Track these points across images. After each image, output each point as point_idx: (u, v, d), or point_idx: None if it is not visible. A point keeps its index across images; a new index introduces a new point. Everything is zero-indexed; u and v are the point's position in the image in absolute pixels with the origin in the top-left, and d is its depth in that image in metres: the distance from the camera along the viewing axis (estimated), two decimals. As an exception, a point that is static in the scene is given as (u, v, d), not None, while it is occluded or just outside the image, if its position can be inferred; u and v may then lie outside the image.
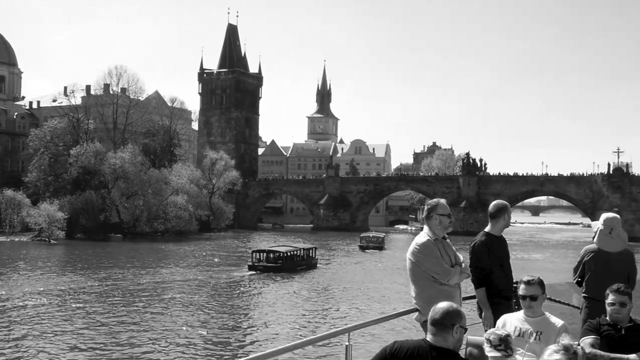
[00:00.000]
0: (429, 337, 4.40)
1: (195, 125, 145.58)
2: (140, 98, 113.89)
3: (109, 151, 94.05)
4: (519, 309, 5.89)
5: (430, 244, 6.52)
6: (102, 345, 26.44)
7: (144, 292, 41.07)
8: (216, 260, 62.36)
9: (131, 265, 55.47)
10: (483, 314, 6.91)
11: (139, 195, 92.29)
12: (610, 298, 5.78)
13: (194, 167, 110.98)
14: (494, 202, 7.38)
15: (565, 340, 4.20)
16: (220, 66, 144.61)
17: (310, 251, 59.72)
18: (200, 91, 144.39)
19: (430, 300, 5.90)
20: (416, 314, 6.64)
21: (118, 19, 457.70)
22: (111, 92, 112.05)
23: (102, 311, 34.11)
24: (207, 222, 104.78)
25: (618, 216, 7.48)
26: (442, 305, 4.46)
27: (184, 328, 29.90)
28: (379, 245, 79.64)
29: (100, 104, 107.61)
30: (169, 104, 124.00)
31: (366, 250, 77.24)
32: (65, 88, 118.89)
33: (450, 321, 4.36)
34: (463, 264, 6.72)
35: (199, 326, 30.56)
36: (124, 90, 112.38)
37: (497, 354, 4.70)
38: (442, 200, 6.73)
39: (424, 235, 6.60)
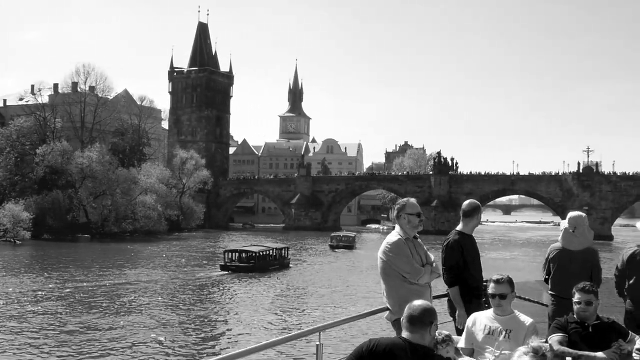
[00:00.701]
0: (406, 335, 4.41)
1: (165, 125, 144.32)
2: (109, 97, 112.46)
3: (76, 150, 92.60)
4: (489, 307, 5.93)
5: (401, 243, 6.51)
6: (59, 349, 25.61)
7: (109, 294, 40.18)
8: (185, 261, 61.48)
9: (98, 267, 54.43)
10: (457, 312, 6.95)
11: (107, 195, 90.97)
12: (577, 297, 5.84)
13: (163, 167, 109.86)
14: (467, 202, 7.48)
15: (535, 342, 4.21)
16: (191, 65, 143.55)
17: (283, 251, 59.43)
18: (170, 90, 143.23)
19: (401, 299, 6.15)
20: (387, 313, 6.64)
21: (87, 18, 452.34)
22: (79, 90, 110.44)
23: (63, 314, 33.12)
24: (177, 222, 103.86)
25: (584, 215, 7.53)
26: (420, 303, 4.52)
27: (152, 331, 29.15)
28: (350, 245, 79.43)
29: (68, 102, 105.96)
30: (139, 103, 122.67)
31: (336, 250, 76.97)
32: (33, 87, 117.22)
33: (429, 319, 4.42)
34: (434, 264, 6.71)
35: (167, 328, 29.91)
36: (92, 89, 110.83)
37: None
38: (412, 200, 6.75)
39: (395, 235, 6.60)
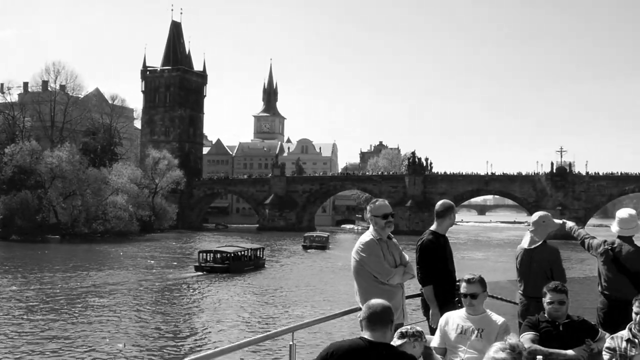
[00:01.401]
0: (366, 335, 4.37)
1: (138, 124, 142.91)
2: (79, 95, 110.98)
3: (46, 150, 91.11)
4: (461, 306, 5.93)
5: (373, 243, 6.54)
6: (23, 354, 24.68)
7: (79, 296, 39.34)
8: (157, 262, 60.75)
9: (66, 268, 53.40)
10: (430, 311, 6.96)
11: (77, 195, 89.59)
12: (549, 297, 5.91)
13: (134, 167, 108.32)
14: (441, 201, 7.49)
15: (512, 339, 4.28)
16: (164, 64, 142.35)
17: (258, 251, 59.20)
18: (143, 89, 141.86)
19: (371, 298, 5.81)
20: (359, 312, 6.22)
21: (58, 16, 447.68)
22: (49, 89, 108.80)
23: (24, 318, 32.13)
24: (149, 222, 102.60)
25: (543, 213, 7.76)
26: (379, 301, 4.51)
27: (121, 334, 28.44)
28: (323, 245, 79.32)
29: (37, 101, 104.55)
30: (110, 102, 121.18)
31: (309, 250, 76.78)
32: (2, 85, 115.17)
33: (389, 317, 4.43)
34: (408, 264, 6.72)
35: (137, 331, 29.36)
36: (63, 87, 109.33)
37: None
38: (380, 201, 6.76)
39: (368, 235, 6.64)
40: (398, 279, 6.56)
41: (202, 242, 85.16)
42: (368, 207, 6.74)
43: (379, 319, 4.40)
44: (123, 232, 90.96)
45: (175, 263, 59.99)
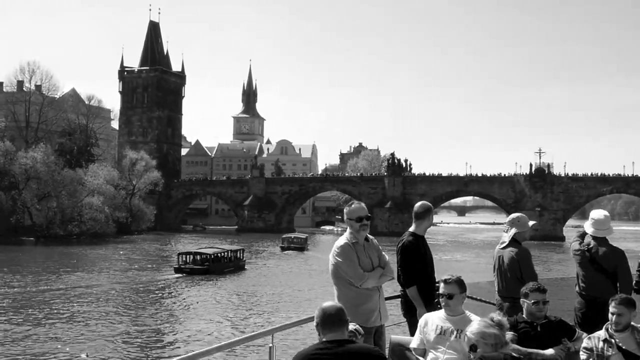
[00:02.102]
0: (328, 337, 4.43)
1: (115, 124, 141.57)
2: (55, 96, 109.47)
3: (20, 150, 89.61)
4: (441, 307, 5.95)
5: (347, 247, 6.57)
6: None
7: (50, 299, 38.48)
8: (133, 264, 60.07)
9: (40, 270, 52.57)
10: (418, 311, 6.95)
11: (52, 196, 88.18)
12: (532, 297, 5.94)
13: (111, 167, 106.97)
14: (419, 203, 7.57)
15: (496, 316, 4.56)
16: (142, 64, 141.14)
17: (238, 253, 59.03)
18: (120, 89, 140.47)
19: (349, 302, 6.28)
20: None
21: (34, 15, 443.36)
22: (24, 89, 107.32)
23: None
24: (126, 224, 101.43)
25: (518, 215, 7.86)
26: (331, 304, 4.60)
27: (98, 338, 27.86)
28: (301, 246, 79.07)
29: (12, 101, 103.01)
30: (86, 102, 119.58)
31: (287, 251, 76.42)
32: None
33: (344, 317, 4.52)
34: (387, 266, 6.73)
35: (115, 333, 28.83)
36: (38, 87, 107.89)
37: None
38: (355, 204, 6.78)
39: (343, 239, 6.68)
40: (372, 283, 6.55)
41: (179, 244, 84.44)
42: (344, 210, 6.80)
43: (337, 320, 4.47)
44: (99, 233, 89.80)
45: (151, 265, 59.31)
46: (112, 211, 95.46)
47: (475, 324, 4.45)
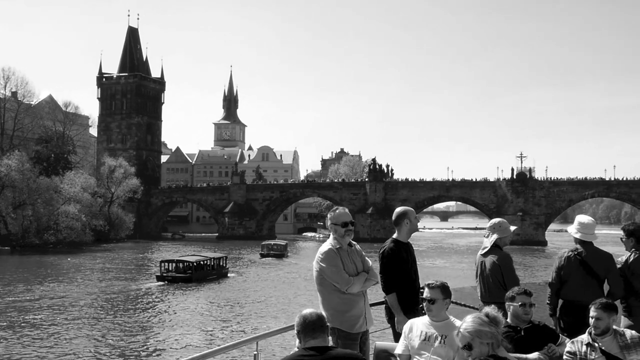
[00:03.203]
0: (309, 344, 4.43)
1: (93, 131, 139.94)
2: (31, 102, 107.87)
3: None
4: (425, 313, 5.97)
5: (332, 252, 6.57)
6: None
7: (28, 309, 37.32)
8: (108, 273, 58.90)
9: (15, 280, 51.49)
10: (396, 318, 7.04)
11: (28, 205, 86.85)
12: (519, 300, 5.99)
13: (88, 175, 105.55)
14: (395, 210, 7.55)
15: (490, 311, 4.59)
16: (121, 70, 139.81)
17: (221, 260, 58.78)
18: (99, 96, 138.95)
19: (334, 308, 6.44)
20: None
21: (10, 20, 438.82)
22: (0, 95, 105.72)
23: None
24: (104, 232, 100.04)
25: (499, 220, 7.95)
26: (311, 311, 4.60)
27: (75, 347, 26.99)
28: (280, 253, 78.67)
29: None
30: (63, 109, 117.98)
31: (266, 258, 75.98)
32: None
33: (325, 323, 4.54)
34: (370, 270, 6.75)
35: (95, 343, 28.11)
36: (14, 94, 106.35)
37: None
38: (340, 209, 6.80)
39: (327, 244, 6.68)
40: (358, 288, 6.56)
41: (158, 252, 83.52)
42: (328, 215, 6.80)
43: (318, 327, 4.46)
44: (76, 242, 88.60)
45: (130, 274, 58.44)
46: (90, 219, 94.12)
47: (470, 321, 4.38)
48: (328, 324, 4.68)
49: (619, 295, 7.31)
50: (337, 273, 6.50)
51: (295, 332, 4.55)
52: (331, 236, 6.72)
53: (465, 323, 4.48)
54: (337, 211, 6.77)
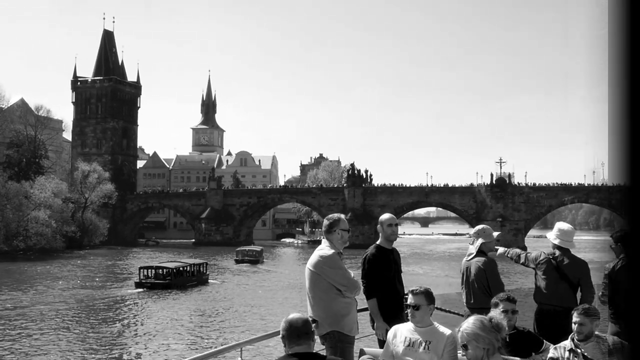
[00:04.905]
0: (294, 350, 4.41)
1: (67, 135, 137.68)
2: (2, 106, 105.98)
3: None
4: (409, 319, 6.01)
5: (336, 256, 6.63)
6: None
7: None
8: (80, 280, 57.49)
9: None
10: (375, 324, 7.13)
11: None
12: (502, 306, 6.09)
13: (59, 180, 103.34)
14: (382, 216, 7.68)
15: (499, 317, 4.76)
16: (96, 74, 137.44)
17: (201, 267, 58.32)
18: (73, 100, 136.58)
19: (333, 312, 6.52)
20: (312, 326, 6.19)
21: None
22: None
23: None
24: (77, 238, 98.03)
25: (483, 226, 8.16)
26: (298, 316, 4.58)
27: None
28: (255, 259, 77.98)
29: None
30: (35, 112, 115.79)
31: (241, 264, 75.13)
32: None
33: (310, 329, 4.52)
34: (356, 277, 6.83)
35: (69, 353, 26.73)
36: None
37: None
38: (342, 216, 7.02)
39: (328, 249, 6.68)
40: (360, 290, 6.82)
41: (132, 259, 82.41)
42: (330, 221, 6.81)
43: (303, 333, 4.42)
44: (46, 249, 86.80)
45: (101, 282, 56.91)
46: (61, 225, 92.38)
47: (471, 323, 4.42)
48: (313, 330, 4.59)
49: (590, 302, 7.26)
50: (346, 276, 6.58)
51: (280, 336, 4.48)
52: (326, 241, 6.77)
53: (466, 323, 4.49)
54: (342, 217, 6.97)
